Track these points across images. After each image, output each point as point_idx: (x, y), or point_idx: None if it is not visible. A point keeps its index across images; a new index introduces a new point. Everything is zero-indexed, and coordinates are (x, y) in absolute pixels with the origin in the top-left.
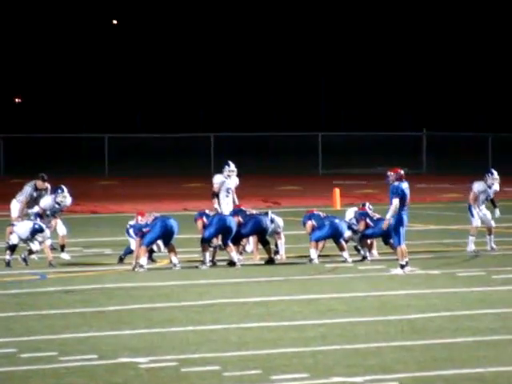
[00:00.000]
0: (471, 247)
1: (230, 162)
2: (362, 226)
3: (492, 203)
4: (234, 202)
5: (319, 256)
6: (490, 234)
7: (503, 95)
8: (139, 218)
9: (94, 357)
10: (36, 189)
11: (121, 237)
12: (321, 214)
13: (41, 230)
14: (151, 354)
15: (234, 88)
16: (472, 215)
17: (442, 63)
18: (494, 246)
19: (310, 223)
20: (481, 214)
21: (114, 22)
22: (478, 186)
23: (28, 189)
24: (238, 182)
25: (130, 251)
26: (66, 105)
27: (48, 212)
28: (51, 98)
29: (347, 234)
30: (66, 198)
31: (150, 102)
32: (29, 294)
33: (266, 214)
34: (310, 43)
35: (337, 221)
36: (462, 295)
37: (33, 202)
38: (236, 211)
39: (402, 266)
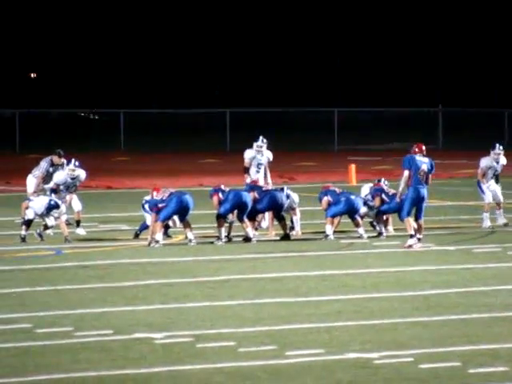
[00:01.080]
0: (487, 223)
1: (261, 137)
2: (377, 202)
3: (495, 178)
4: (265, 176)
5: (334, 232)
6: (499, 209)
7: None
8: (154, 193)
9: (110, 332)
10: (52, 164)
11: (136, 212)
12: (336, 189)
13: (57, 206)
14: (166, 330)
15: (249, 64)
16: (482, 192)
17: (457, 39)
18: (505, 221)
19: (325, 199)
20: (491, 188)
21: None
22: (484, 162)
23: (44, 164)
24: (270, 157)
25: (145, 227)
26: (82, 80)
27: (62, 187)
28: (66, 74)
29: (363, 210)
30: (74, 170)
31: (166, 77)
32: (44, 269)
33: (282, 189)
34: (326, 18)
35: (352, 197)
36: (477, 271)
37: (49, 177)
38: (252, 187)
39: (412, 236)
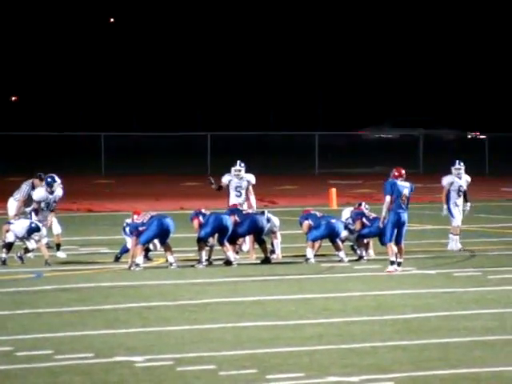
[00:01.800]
0: (457, 245)
1: (238, 161)
2: (358, 226)
3: (464, 196)
4: (248, 199)
5: (315, 255)
6: (456, 234)
7: (500, 95)
8: (135, 216)
9: (90, 355)
10: (33, 187)
11: (117, 235)
12: (317, 213)
13: (37, 229)
14: (147, 353)
15: (230, 87)
16: (452, 215)
17: (438, 64)
18: (460, 246)
19: (306, 223)
20: (461, 209)
21: (111, 20)
22: (446, 179)
23: (25, 187)
24: (252, 181)
25: (126, 250)
26: (63, 103)
27: (43, 205)
28: (47, 97)
29: (343, 233)
30: (58, 185)
31: (147, 100)
32: (25, 292)
33: (263, 213)
34: (307, 42)
35: (333, 221)
36: (457, 295)
37: (30, 200)
38: (232, 210)
39: (392, 262)
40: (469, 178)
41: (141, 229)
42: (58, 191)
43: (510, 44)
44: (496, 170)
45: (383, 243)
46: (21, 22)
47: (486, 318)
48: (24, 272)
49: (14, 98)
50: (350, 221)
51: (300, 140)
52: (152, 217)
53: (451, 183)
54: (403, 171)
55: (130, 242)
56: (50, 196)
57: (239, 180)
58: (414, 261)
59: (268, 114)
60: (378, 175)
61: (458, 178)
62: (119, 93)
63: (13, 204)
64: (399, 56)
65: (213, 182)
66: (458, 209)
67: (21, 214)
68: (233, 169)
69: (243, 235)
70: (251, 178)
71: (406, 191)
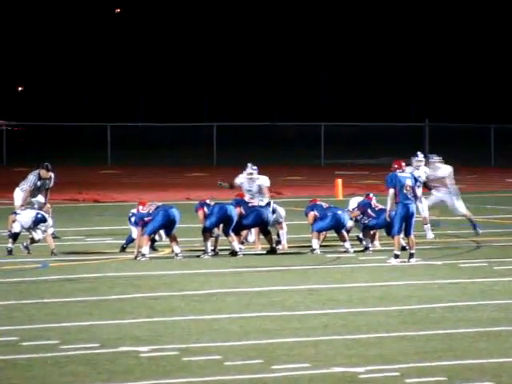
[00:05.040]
0: (429, 235)
1: (249, 164)
2: (355, 214)
3: (426, 186)
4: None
5: (321, 246)
6: (425, 224)
7: (506, 86)
8: (140, 207)
9: (96, 345)
10: (40, 178)
11: (123, 226)
12: (323, 204)
13: (44, 220)
14: (152, 343)
15: (237, 78)
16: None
17: (444, 54)
18: (432, 235)
19: (312, 214)
20: (438, 195)
21: (117, 10)
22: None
23: (32, 178)
24: (265, 183)
25: (131, 240)
26: (69, 93)
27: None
28: (54, 87)
29: (350, 223)
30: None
31: (153, 91)
32: (31, 282)
33: (268, 204)
34: (312, 33)
35: (339, 212)
36: (463, 286)
37: (36, 190)
38: (238, 201)
39: (396, 256)
40: (427, 170)
41: (146, 219)
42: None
43: None
44: (502, 161)
45: (390, 235)
46: (27, 11)
47: (491, 308)
48: (30, 262)
49: (20, 88)
50: (356, 210)
51: (306, 130)
52: (158, 207)
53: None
54: (403, 163)
55: (135, 232)
56: (40, 182)
57: (251, 183)
58: (420, 251)
59: (274, 104)
60: (384, 166)
61: (417, 169)
62: (126, 83)
63: (19, 194)
64: (405, 45)
65: (224, 184)
66: (422, 199)
67: (27, 205)
68: (245, 172)
69: (248, 227)
70: (264, 180)
71: (408, 181)
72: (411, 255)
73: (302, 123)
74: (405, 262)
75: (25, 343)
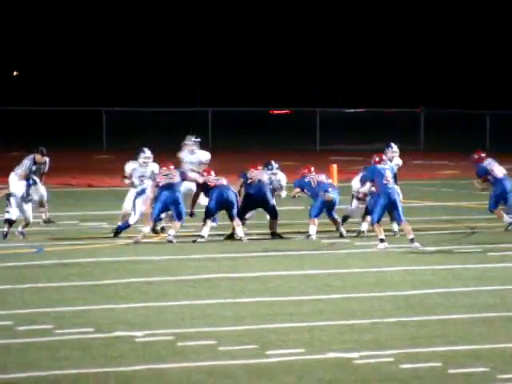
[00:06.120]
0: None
1: (272, 162)
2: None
3: (394, 179)
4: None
5: (317, 232)
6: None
7: (502, 72)
8: (164, 168)
9: (90, 330)
10: (35, 162)
11: (117, 210)
12: (312, 180)
13: (34, 183)
14: (147, 328)
15: (231, 63)
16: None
17: (439, 39)
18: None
19: (297, 190)
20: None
21: None
22: None
23: (27, 162)
24: (282, 182)
25: (127, 225)
26: (64, 78)
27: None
28: (48, 72)
29: (354, 203)
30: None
31: (148, 75)
32: (25, 266)
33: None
34: (307, 20)
35: (330, 190)
36: (457, 272)
37: (32, 175)
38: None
39: (382, 240)
40: (400, 162)
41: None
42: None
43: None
44: (497, 147)
45: (372, 223)
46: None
47: (485, 295)
48: (25, 247)
49: (15, 73)
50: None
51: (301, 116)
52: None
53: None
54: (384, 156)
55: (133, 217)
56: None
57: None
58: (415, 237)
59: (269, 89)
60: (378, 152)
61: (390, 160)
62: (120, 68)
63: (14, 179)
64: (401, 32)
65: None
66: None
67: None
68: (142, 156)
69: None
70: (281, 177)
71: (387, 172)
72: (412, 240)
73: (297, 108)
74: (419, 247)
75: (19, 328)
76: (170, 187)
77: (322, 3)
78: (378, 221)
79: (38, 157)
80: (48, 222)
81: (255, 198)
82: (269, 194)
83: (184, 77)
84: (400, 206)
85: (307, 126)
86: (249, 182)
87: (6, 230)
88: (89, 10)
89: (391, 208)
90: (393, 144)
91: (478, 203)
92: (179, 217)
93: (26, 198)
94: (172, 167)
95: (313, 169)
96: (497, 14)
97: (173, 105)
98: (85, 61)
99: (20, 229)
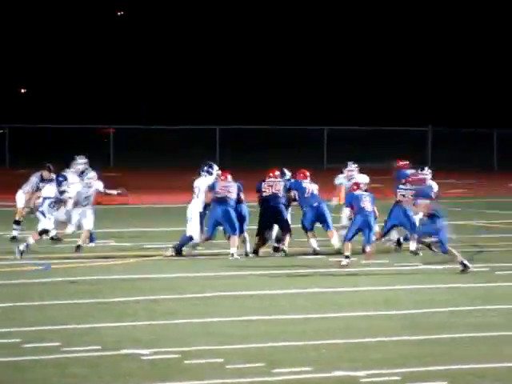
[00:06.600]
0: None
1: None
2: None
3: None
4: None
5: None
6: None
7: (510, 91)
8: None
9: (97, 348)
10: (42, 179)
11: (124, 228)
12: (307, 189)
13: (65, 178)
14: (154, 346)
15: (239, 81)
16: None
17: (447, 58)
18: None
19: (290, 194)
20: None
21: (119, 12)
22: (336, 180)
23: (34, 179)
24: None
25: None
26: (71, 95)
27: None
28: (56, 89)
29: (346, 212)
30: (69, 187)
31: (156, 93)
32: (33, 284)
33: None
34: (315, 38)
35: (315, 204)
36: (464, 291)
37: (39, 192)
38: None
39: (347, 257)
40: (367, 179)
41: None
42: (76, 186)
43: None
44: (505, 166)
45: (344, 241)
46: (29, 13)
47: (492, 314)
48: (32, 264)
49: (22, 90)
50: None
51: (308, 134)
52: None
53: (341, 184)
54: (361, 185)
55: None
56: (60, 196)
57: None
58: (421, 256)
59: (277, 107)
60: (387, 170)
61: (349, 179)
62: (129, 85)
63: (21, 196)
64: (409, 50)
65: None
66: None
67: (27, 208)
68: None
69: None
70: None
71: (366, 198)
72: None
73: (305, 126)
74: (403, 265)
75: (26, 345)
76: (224, 201)
77: (332, 22)
78: (350, 240)
79: (45, 173)
80: (56, 239)
81: (270, 212)
82: (282, 208)
83: (192, 94)
84: (371, 231)
85: (314, 143)
86: (264, 195)
87: (16, 233)
88: (98, 28)
89: (362, 230)
90: (349, 163)
91: (486, 222)
92: (234, 230)
93: (59, 197)
94: (230, 177)
95: (308, 174)
96: (505, 34)
97: (181, 122)
98: (93, 78)
99: (21, 248)
